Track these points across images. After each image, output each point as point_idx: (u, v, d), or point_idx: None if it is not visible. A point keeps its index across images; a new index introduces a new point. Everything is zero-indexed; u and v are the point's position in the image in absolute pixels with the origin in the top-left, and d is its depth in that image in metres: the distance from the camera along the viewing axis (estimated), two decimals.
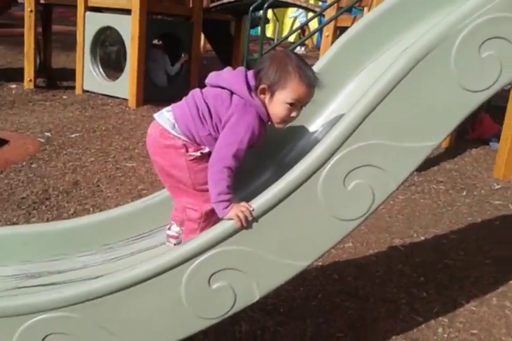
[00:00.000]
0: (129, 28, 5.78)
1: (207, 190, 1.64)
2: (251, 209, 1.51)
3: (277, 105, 1.63)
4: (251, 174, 1.96)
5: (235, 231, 1.52)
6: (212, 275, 1.51)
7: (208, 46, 8.96)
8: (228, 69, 1.75)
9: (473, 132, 5.28)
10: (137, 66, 5.79)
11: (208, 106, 1.66)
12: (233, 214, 1.51)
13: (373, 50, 2.03)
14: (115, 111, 5.63)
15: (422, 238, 3.31)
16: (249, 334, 2.20)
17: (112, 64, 6.58)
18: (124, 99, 5.93)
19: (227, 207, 1.54)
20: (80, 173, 4.05)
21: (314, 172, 1.51)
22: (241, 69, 1.72)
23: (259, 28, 7.88)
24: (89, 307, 1.46)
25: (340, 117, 1.88)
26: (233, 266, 1.52)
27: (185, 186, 1.74)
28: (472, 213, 3.77)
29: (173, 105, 1.75)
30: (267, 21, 9.50)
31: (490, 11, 1.52)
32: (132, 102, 5.84)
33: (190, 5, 6.57)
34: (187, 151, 1.68)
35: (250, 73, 1.68)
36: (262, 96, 1.65)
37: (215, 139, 1.65)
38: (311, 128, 1.97)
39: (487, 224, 3.62)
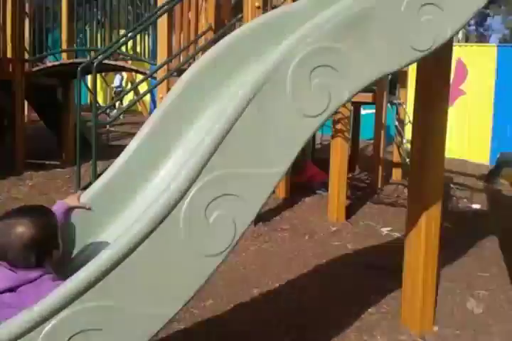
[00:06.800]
0: None
1: None
2: None
3: None
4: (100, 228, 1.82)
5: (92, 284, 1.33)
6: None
7: (34, 115, 8.35)
8: None
9: (299, 176, 5.68)
10: None
11: None
12: None
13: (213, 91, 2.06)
14: None
15: (277, 285, 3.33)
16: None
17: None
18: None
19: None
20: None
21: (175, 205, 1.42)
22: None
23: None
24: None
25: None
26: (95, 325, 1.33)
27: None
28: (317, 255, 3.95)
29: None
30: None
31: (314, 41, 1.65)
32: None
33: (10, 69, 6.14)
34: None
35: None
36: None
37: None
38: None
39: (331, 265, 3.81)
